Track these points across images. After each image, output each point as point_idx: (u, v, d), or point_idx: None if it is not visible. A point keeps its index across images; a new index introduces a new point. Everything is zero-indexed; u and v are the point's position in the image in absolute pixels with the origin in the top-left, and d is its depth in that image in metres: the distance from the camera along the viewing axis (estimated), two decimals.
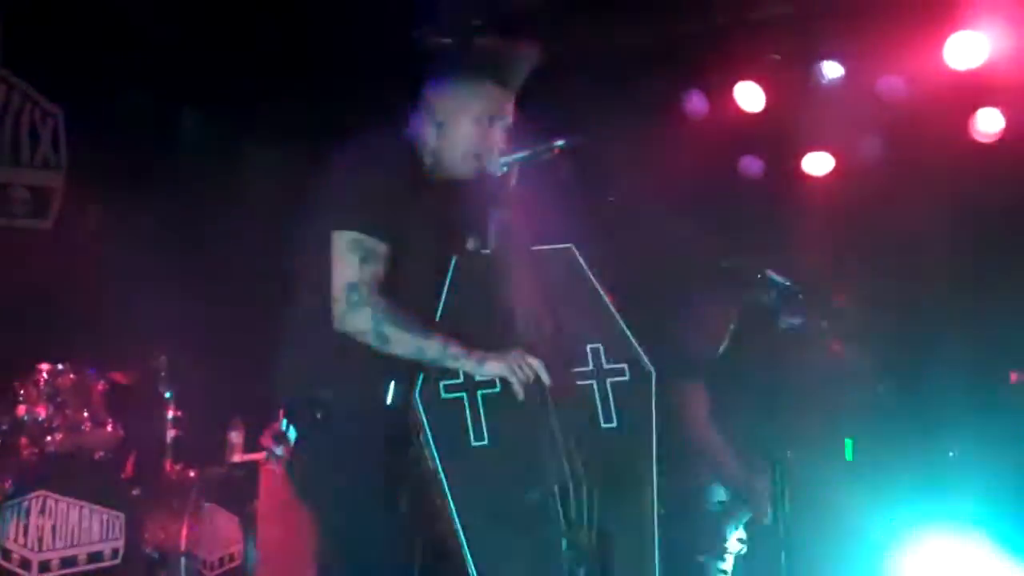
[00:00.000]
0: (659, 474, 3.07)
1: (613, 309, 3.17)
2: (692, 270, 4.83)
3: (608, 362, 3.10)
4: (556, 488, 2.92)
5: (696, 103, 6.47)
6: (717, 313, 4.84)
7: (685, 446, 4.41)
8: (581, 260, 3.21)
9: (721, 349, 4.80)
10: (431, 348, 2.88)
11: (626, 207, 3.64)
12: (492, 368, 2.92)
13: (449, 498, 2.87)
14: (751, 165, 6.63)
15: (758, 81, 6.39)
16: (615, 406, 3.08)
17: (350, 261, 2.87)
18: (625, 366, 3.12)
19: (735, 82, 6.42)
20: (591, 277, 3.19)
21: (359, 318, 2.85)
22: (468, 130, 3.11)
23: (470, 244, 3.22)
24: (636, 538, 3.02)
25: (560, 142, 3.13)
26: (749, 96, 6.42)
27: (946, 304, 6.02)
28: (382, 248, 2.91)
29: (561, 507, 2.91)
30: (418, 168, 3.13)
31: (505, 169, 3.15)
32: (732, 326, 4.83)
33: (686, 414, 4.48)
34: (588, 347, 3.10)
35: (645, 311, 3.40)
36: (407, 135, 3.17)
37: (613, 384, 3.09)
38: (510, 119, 3.17)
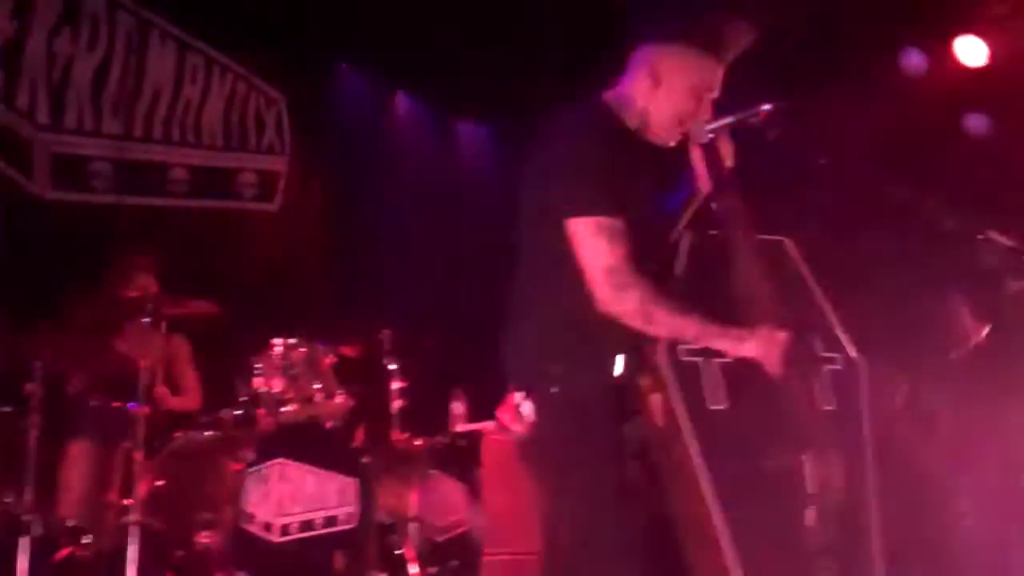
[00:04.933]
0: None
1: (825, 303, 3.17)
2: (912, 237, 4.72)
3: (823, 351, 3.11)
4: (804, 455, 2.90)
5: (914, 60, 6.27)
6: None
7: None
8: (794, 254, 3.21)
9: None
10: (690, 328, 2.88)
11: (838, 171, 3.56)
12: (751, 350, 2.88)
13: (697, 458, 2.87)
14: (976, 122, 6.37)
15: (979, 34, 6.13)
16: (832, 391, 3.07)
17: (599, 245, 2.88)
18: (838, 356, 3.12)
19: (954, 36, 6.18)
20: (804, 271, 3.19)
21: (627, 299, 2.85)
22: (683, 97, 3.07)
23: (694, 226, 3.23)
24: (859, 518, 2.99)
25: (766, 106, 3.08)
26: (970, 50, 6.17)
27: None
28: (621, 225, 2.90)
29: (808, 473, 2.90)
30: (626, 132, 3.11)
31: (711, 136, 3.12)
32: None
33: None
34: (805, 335, 3.09)
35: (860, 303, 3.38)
36: (610, 97, 3.15)
37: (829, 371, 3.09)
38: (718, 92, 3.14)
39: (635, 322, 2.87)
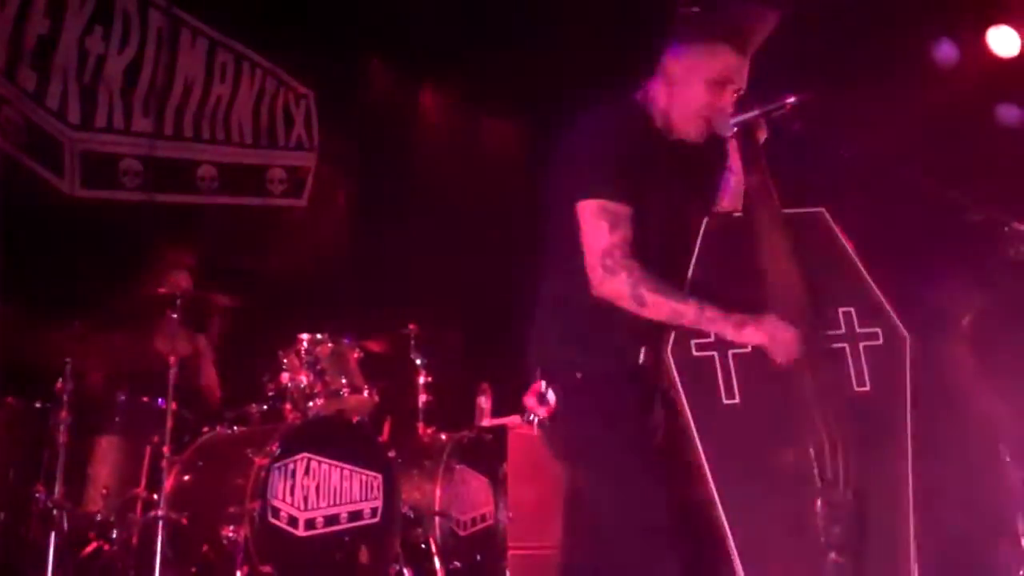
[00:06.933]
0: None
1: (865, 273, 3.09)
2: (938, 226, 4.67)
3: (861, 326, 3.04)
4: (812, 448, 2.87)
5: (945, 51, 6.20)
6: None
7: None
8: (832, 224, 3.13)
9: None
10: (687, 312, 2.87)
11: (864, 163, 3.52)
12: (751, 336, 2.87)
13: (702, 455, 2.85)
14: (1008, 113, 6.30)
15: (1013, 24, 6.05)
16: (868, 370, 3.00)
17: (599, 228, 2.90)
18: (878, 330, 3.03)
19: (987, 27, 6.10)
20: (843, 241, 3.11)
21: (616, 282, 2.87)
22: (698, 91, 3.07)
23: (719, 206, 3.22)
24: (890, 504, 2.94)
25: (791, 99, 3.06)
26: (1003, 41, 6.10)
27: None
28: (626, 211, 2.92)
29: (817, 466, 2.87)
30: (652, 130, 3.13)
31: (735, 130, 3.11)
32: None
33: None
34: (840, 311, 3.03)
35: (894, 272, 3.29)
36: (640, 97, 3.17)
37: (866, 348, 3.01)
38: (743, 85, 3.12)
39: (627, 305, 2.88)
